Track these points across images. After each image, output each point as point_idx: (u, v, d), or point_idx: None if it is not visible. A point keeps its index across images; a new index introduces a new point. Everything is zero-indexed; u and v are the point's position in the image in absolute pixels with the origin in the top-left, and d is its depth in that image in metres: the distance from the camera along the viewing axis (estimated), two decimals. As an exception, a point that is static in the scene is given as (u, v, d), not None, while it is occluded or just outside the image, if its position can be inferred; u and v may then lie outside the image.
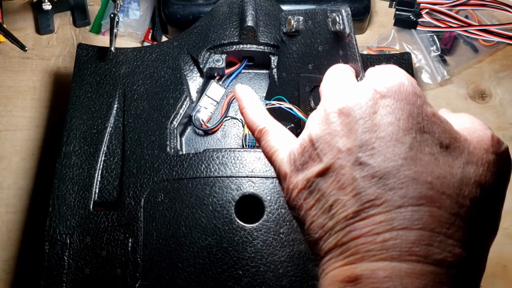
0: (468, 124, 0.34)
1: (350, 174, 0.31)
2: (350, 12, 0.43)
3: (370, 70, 0.36)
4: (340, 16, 0.42)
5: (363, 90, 0.33)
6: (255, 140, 0.61)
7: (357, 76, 0.41)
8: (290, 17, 0.49)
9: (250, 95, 0.43)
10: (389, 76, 0.33)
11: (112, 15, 0.63)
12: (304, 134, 0.34)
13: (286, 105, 0.52)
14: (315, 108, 0.51)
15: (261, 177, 0.55)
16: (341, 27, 0.42)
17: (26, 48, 0.66)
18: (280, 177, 0.36)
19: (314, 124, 0.34)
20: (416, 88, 0.32)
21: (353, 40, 0.42)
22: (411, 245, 0.28)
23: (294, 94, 0.53)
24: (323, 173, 0.32)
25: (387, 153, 0.30)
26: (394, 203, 0.29)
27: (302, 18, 0.48)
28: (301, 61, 0.50)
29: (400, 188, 0.29)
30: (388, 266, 0.28)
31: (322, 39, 0.46)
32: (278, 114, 0.48)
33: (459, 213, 0.29)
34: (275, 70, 0.59)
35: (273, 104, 0.52)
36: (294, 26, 0.48)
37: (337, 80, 0.38)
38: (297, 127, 0.54)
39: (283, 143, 0.37)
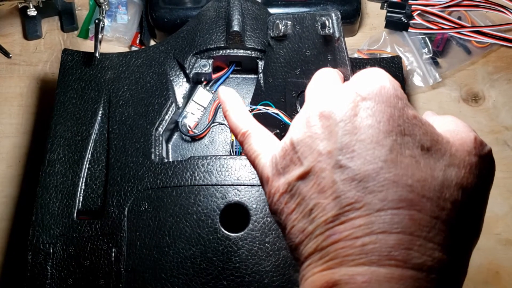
0: (451, 126, 0.34)
1: (330, 177, 0.30)
2: (340, 15, 0.42)
3: (355, 74, 0.36)
4: (330, 20, 0.42)
5: (344, 92, 0.33)
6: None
7: (345, 81, 0.40)
8: (277, 21, 0.48)
9: (233, 97, 0.42)
10: (370, 79, 0.33)
11: (96, 21, 0.62)
12: (286, 138, 0.34)
13: (272, 110, 0.51)
14: None
15: (247, 185, 0.54)
16: (331, 31, 0.42)
17: (11, 56, 0.65)
18: (262, 181, 0.36)
19: (295, 127, 0.34)
20: (398, 91, 0.32)
21: (343, 44, 0.42)
22: (390, 249, 0.28)
23: (281, 99, 0.52)
24: (303, 177, 0.32)
25: (367, 155, 0.30)
26: (374, 206, 0.29)
27: (290, 22, 0.47)
28: (288, 66, 0.49)
29: (380, 191, 0.29)
30: (367, 271, 0.28)
31: (310, 44, 0.45)
32: (264, 120, 0.47)
33: (439, 216, 0.29)
34: (261, 75, 0.58)
35: (260, 109, 0.51)
36: (282, 30, 0.47)
37: (321, 84, 0.38)
38: (283, 133, 0.53)
39: (266, 146, 0.37)
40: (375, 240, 0.28)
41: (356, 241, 0.28)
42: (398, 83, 0.33)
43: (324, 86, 0.37)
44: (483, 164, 0.32)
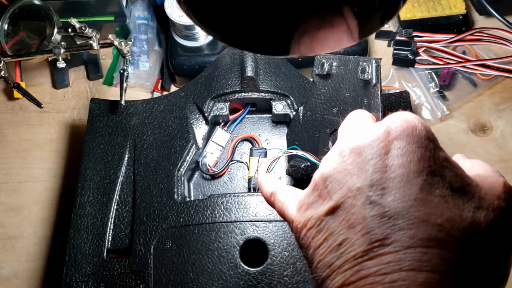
0: (481, 170, 0.35)
1: (360, 213, 0.31)
2: (380, 63, 0.45)
3: (387, 115, 0.37)
4: (370, 66, 0.45)
5: (376, 131, 0.34)
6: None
7: None
8: (324, 60, 0.51)
9: (264, 175, 0.46)
10: (402, 120, 0.34)
11: (121, 71, 0.67)
12: (316, 173, 0.36)
13: (300, 152, 0.54)
14: None
15: (264, 221, 0.57)
16: (369, 77, 0.45)
17: (42, 106, 0.70)
18: (289, 223, 0.37)
19: (326, 162, 0.35)
20: (429, 133, 0.33)
21: (378, 90, 0.45)
22: (419, 287, 0.28)
23: (316, 133, 0.55)
24: (332, 211, 0.33)
25: (397, 193, 0.31)
26: (403, 243, 0.29)
27: (335, 63, 0.50)
28: (327, 103, 0.52)
29: (410, 229, 0.29)
30: None
31: (350, 86, 0.49)
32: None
33: (468, 258, 0.29)
34: (301, 107, 0.61)
35: (290, 152, 0.55)
36: (326, 69, 0.50)
37: (354, 123, 0.39)
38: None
39: (291, 195, 0.39)
40: (404, 277, 0.28)
41: (385, 277, 0.29)
42: (429, 126, 0.34)
43: (357, 125, 0.38)
44: None
